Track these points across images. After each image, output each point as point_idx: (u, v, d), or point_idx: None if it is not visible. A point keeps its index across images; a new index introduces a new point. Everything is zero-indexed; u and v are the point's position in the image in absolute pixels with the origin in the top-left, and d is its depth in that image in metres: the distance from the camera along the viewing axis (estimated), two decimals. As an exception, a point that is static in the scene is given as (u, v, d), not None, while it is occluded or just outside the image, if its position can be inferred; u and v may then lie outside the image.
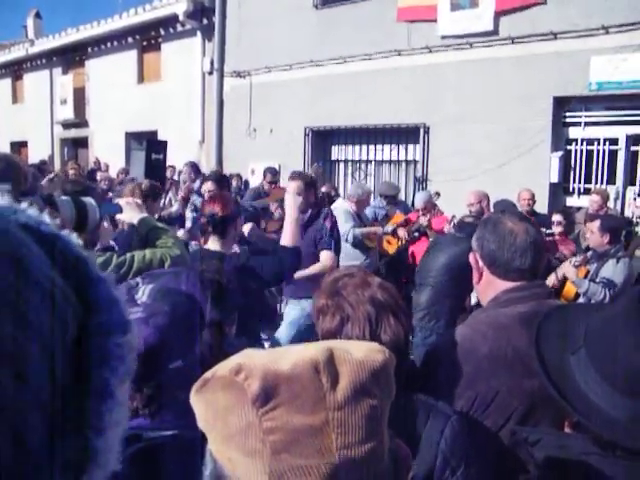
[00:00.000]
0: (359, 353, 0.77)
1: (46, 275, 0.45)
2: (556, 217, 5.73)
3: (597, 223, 4.71)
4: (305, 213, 4.20)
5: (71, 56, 15.71)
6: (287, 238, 3.02)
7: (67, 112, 15.57)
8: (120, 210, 2.78)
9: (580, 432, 1.13)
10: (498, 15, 7.93)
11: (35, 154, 15.93)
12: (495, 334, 1.64)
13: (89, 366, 0.48)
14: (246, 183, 10.00)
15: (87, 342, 0.48)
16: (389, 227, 6.31)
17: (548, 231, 5.46)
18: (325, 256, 4.20)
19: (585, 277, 4.62)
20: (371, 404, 0.73)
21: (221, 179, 5.60)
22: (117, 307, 0.52)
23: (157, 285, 1.10)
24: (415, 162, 9.37)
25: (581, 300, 4.66)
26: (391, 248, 6.28)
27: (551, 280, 4.62)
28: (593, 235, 4.71)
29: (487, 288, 1.81)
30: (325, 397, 0.72)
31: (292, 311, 4.39)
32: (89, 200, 1.90)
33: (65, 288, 0.46)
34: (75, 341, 0.47)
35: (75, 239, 0.50)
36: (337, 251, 4.35)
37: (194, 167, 7.89)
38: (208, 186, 5.28)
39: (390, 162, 9.78)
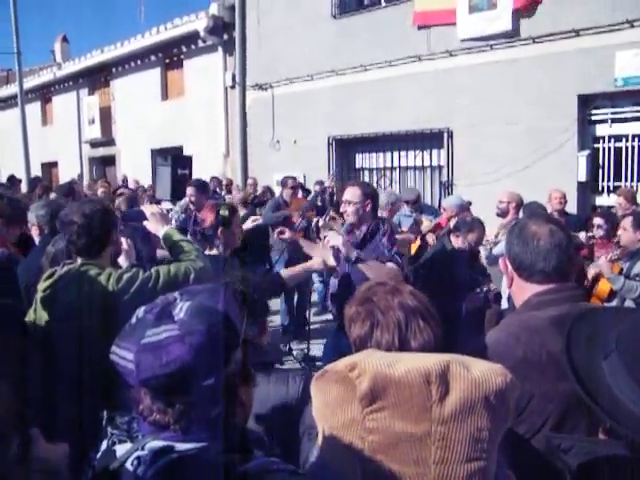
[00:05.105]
0: (477, 372, 0.76)
1: None
2: (597, 220, 5.35)
3: (629, 219, 4.61)
4: (360, 228, 3.74)
5: (97, 77, 16.06)
6: (290, 274, 3.14)
7: (94, 131, 15.90)
8: (143, 216, 2.83)
9: (614, 438, 1.11)
10: (517, 15, 7.86)
11: (65, 174, 16.30)
12: (529, 337, 1.63)
13: None
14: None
15: None
16: (423, 230, 6.28)
17: (589, 234, 5.31)
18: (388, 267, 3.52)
19: (619, 274, 4.51)
20: (478, 425, 0.73)
21: (202, 185, 6.01)
22: None
23: (194, 302, 1.10)
24: (440, 167, 9.31)
25: (615, 302, 4.56)
26: (413, 249, 6.22)
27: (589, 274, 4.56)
28: (626, 232, 4.60)
29: (518, 292, 1.82)
30: (431, 409, 0.72)
31: None
32: None
33: None
34: None
35: None
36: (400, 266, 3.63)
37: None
38: (189, 192, 5.69)
39: (415, 168, 9.74)
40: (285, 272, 3.31)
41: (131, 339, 1.08)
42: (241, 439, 1.10)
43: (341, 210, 3.90)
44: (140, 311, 1.14)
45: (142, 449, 1.06)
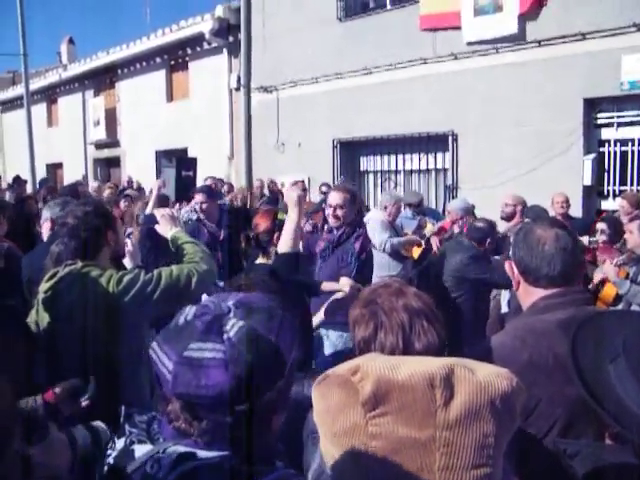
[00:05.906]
0: (482, 375, 0.75)
1: None
2: (600, 225, 5.28)
3: (637, 223, 4.57)
4: (339, 230, 3.89)
5: (102, 78, 16.11)
6: (284, 243, 2.84)
7: (99, 133, 15.95)
8: (155, 220, 2.86)
9: (620, 443, 1.09)
10: (523, 18, 7.84)
11: (70, 175, 16.33)
12: (535, 341, 1.62)
13: None
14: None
15: None
16: (427, 233, 6.25)
17: (591, 239, 5.29)
18: (342, 282, 3.53)
19: (625, 278, 4.48)
20: (484, 431, 0.71)
21: (212, 190, 5.86)
22: None
23: (248, 324, 1.04)
24: (445, 170, 9.29)
25: (620, 305, 4.53)
26: (416, 253, 6.19)
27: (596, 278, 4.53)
28: (632, 236, 4.56)
29: (525, 295, 1.82)
30: (436, 413, 0.71)
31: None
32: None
33: None
34: None
35: None
36: (363, 277, 3.67)
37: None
38: (199, 198, 5.40)
39: (419, 171, 9.72)
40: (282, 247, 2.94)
41: (174, 345, 1.03)
42: (263, 450, 1.06)
43: (331, 214, 3.93)
44: (190, 313, 1.07)
45: (163, 453, 1.03)
